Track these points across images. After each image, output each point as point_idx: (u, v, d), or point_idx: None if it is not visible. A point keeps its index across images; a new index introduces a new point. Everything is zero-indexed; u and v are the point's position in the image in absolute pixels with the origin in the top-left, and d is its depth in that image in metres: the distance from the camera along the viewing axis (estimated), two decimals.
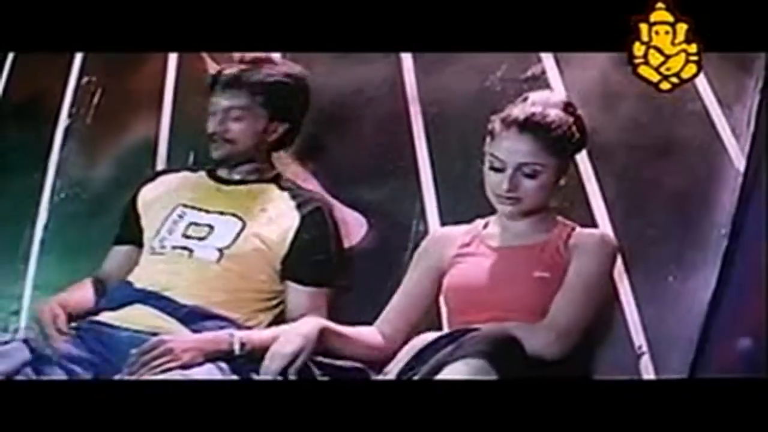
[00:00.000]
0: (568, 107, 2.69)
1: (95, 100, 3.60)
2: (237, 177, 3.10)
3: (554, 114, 2.66)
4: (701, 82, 3.00)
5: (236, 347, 2.78)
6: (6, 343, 2.94)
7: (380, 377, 2.90)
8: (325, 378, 2.81)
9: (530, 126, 2.64)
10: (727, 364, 2.83)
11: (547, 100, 2.69)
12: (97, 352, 2.83)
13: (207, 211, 3.04)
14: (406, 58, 3.29)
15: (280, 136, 3.09)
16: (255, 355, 2.75)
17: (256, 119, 3.05)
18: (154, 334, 2.79)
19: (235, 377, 2.74)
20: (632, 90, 3.00)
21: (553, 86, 3.09)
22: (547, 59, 3.14)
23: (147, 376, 2.72)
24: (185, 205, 3.06)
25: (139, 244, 3.09)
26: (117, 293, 2.98)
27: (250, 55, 3.14)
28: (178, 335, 2.81)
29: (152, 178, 3.20)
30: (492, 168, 2.67)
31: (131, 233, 3.13)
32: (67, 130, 3.60)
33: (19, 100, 3.70)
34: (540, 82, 3.12)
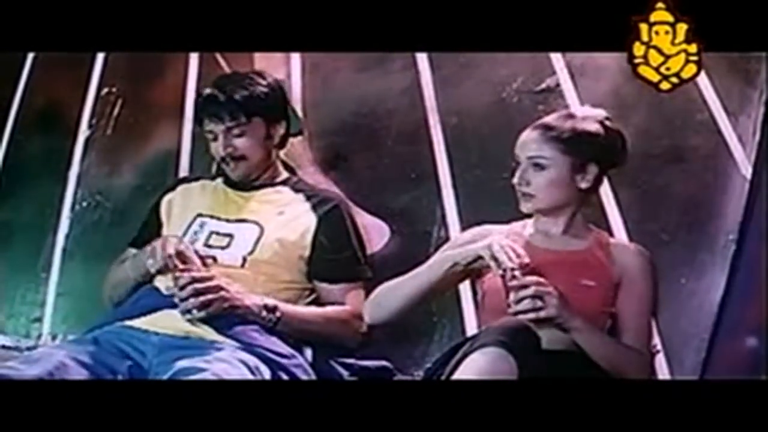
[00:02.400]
0: (602, 120, 2.76)
1: (115, 110, 3.64)
2: (251, 183, 3.13)
3: (570, 121, 2.74)
4: (709, 94, 3.10)
5: (264, 313, 2.89)
6: (33, 348, 2.96)
7: (403, 377, 3.00)
8: (353, 378, 2.92)
9: (538, 125, 2.74)
10: (737, 361, 2.91)
11: (569, 112, 2.80)
12: (128, 356, 2.82)
13: (226, 220, 3.07)
14: (425, 71, 3.36)
15: (282, 137, 3.15)
16: (289, 326, 2.90)
17: (257, 129, 3.08)
18: (186, 338, 2.83)
19: (267, 377, 2.76)
20: (643, 101, 3.10)
21: (567, 98, 3.18)
22: (562, 72, 3.22)
23: (189, 295, 2.84)
24: (205, 215, 3.09)
25: None
26: (145, 299, 2.97)
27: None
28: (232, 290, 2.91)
29: (173, 187, 3.22)
30: (514, 168, 2.76)
31: (151, 239, 3.10)
32: (88, 141, 3.64)
33: (39, 111, 3.73)
34: (555, 94, 3.21)
